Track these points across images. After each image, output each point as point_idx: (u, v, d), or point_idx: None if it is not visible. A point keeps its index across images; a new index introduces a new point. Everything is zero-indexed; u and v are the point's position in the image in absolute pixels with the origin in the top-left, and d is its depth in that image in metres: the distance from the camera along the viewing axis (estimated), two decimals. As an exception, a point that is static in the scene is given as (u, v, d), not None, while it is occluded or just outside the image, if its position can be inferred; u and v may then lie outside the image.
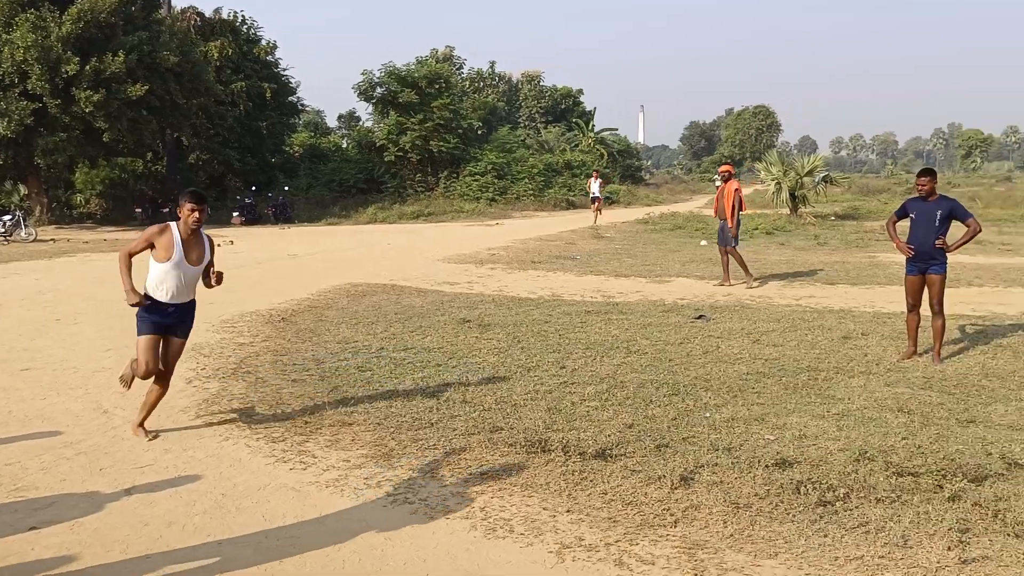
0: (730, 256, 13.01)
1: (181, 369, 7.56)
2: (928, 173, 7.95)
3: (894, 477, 4.67)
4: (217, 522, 4.28)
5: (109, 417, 6.16)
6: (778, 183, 27.10)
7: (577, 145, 58.19)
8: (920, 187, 7.86)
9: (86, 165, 33.22)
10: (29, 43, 24.78)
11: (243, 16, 38.59)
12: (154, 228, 5.53)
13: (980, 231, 8.13)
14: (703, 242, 20.38)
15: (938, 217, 7.73)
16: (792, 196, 26.89)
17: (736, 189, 12.93)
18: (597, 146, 58.50)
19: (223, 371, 7.50)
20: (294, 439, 5.57)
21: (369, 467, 5.05)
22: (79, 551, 3.96)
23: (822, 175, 27.73)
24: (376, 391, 6.73)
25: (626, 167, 62.53)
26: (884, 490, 4.48)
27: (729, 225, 12.89)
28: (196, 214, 5.48)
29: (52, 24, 25.74)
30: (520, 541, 4.02)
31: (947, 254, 7.86)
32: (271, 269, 15.80)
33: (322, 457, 5.23)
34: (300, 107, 43.35)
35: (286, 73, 40.10)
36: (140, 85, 26.71)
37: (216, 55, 35.26)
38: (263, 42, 39.01)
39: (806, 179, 26.82)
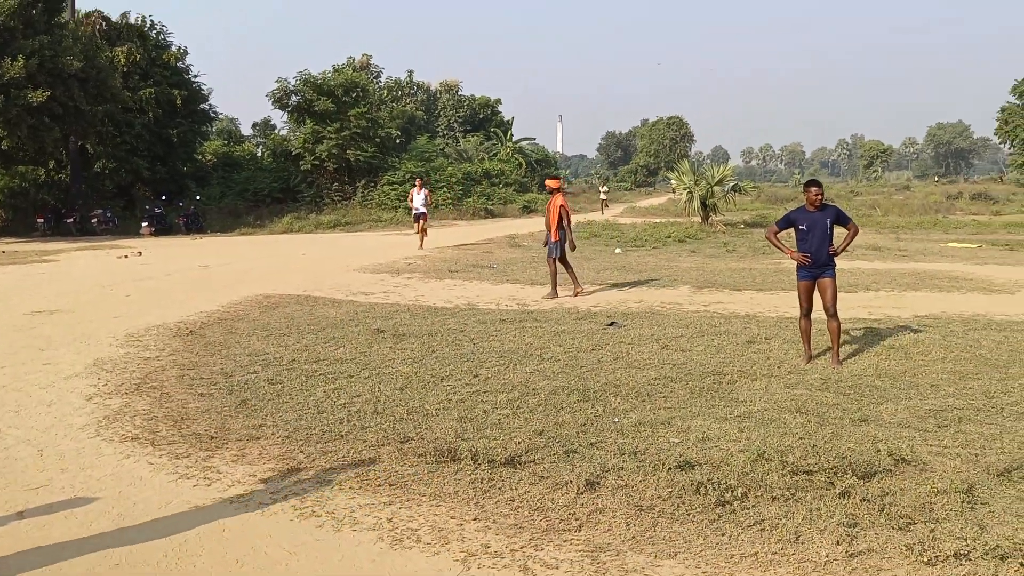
0: (559, 266, 13.06)
1: (81, 385, 7.34)
2: (819, 183, 8.36)
3: (789, 476, 4.86)
4: (111, 539, 4.16)
5: (1, 437, 5.90)
6: (690, 192, 27.83)
7: (496, 154, 58.52)
8: (817, 196, 8.13)
9: (-17, 174, 31.72)
10: (-81, 46, 23.59)
11: (151, 21, 37.57)
12: None
13: (858, 232, 8.59)
14: (617, 250, 20.77)
15: (828, 225, 8.12)
16: (703, 204, 27.65)
17: (561, 204, 13.07)
18: (515, 155, 58.95)
19: (126, 387, 7.27)
20: (199, 455, 5.45)
21: (276, 481, 4.98)
22: (-36, 578, 3.79)
23: (731, 184, 28.63)
24: (286, 404, 6.63)
25: (544, 176, 63.03)
26: (779, 488, 4.66)
27: (553, 239, 13.02)
28: None
29: (-56, 26, 24.56)
30: (426, 550, 4.03)
31: (835, 258, 8.25)
32: (181, 281, 15.38)
33: (228, 472, 5.13)
34: (212, 114, 42.34)
35: (197, 79, 39.19)
36: (41, 91, 25.71)
37: (123, 60, 34.21)
38: (173, 47, 38.02)
39: (716, 188, 27.62)
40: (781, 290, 13.21)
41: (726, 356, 8.36)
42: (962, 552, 3.82)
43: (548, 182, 13.83)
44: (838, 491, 4.61)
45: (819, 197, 8.15)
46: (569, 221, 13.07)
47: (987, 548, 3.82)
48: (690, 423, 6.06)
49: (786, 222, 8.41)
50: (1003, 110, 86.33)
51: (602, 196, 49.72)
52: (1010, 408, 6.44)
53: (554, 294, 12.90)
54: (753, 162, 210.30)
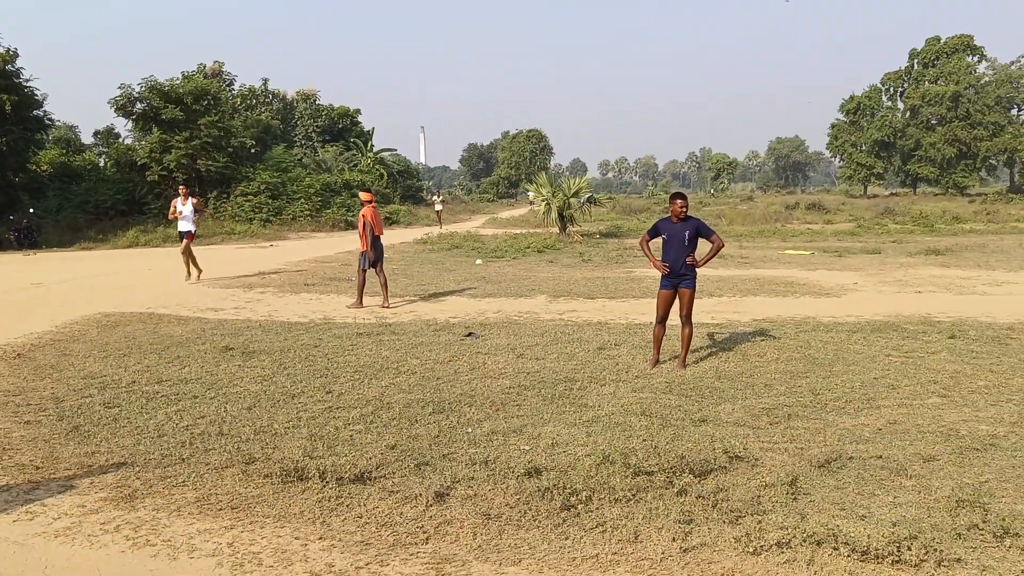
0: (380, 276, 13.32)
1: None
2: (683, 196, 8.58)
3: (632, 477, 5.04)
4: (-82, 589, 3.82)
5: None
6: (548, 204, 28.42)
7: (356, 165, 57.78)
8: (680, 209, 8.34)
9: None
10: None
11: (-25, 21, 34.69)
12: None
13: (723, 246, 8.80)
14: (479, 261, 20.93)
15: (686, 237, 8.37)
16: (561, 216, 28.31)
17: (363, 215, 13.30)
18: (376, 166, 58.39)
19: (-61, 417, 6.68)
20: (21, 487, 5.08)
21: (108, 511, 4.71)
22: None
23: (587, 196, 29.44)
24: (123, 428, 6.29)
25: (407, 187, 62.90)
26: (622, 490, 4.83)
27: (361, 249, 13.29)
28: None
29: None
30: (268, 573, 3.92)
31: (696, 269, 8.54)
32: (9, 300, 14.28)
33: (53, 505, 4.81)
34: (48, 122, 39.56)
35: (30, 84, 36.51)
36: None
37: (-59, 63, 31.47)
38: (1, 49, 35.31)
39: (573, 200, 28.33)
40: (632, 297, 13.70)
41: (578, 363, 8.58)
42: (784, 541, 4.08)
43: (360, 194, 13.92)
44: (676, 490, 4.83)
45: (683, 210, 8.38)
46: (366, 232, 13.12)
47: (806, 535, 4.10)
48: (541, 430, 6.18)
49: (654, 231, 8.62)
50: (833, 126, 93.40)
51: (437, 207, 44.80)
52: (833, 404, 6.94)
53: (359, 304, 13.06)
54: (610, 174, 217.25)
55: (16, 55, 35.74)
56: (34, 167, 39.78)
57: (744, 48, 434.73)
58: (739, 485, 4.96)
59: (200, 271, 17.12)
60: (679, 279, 8.45)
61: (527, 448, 5.74)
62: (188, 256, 16.81)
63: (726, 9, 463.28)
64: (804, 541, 4.06)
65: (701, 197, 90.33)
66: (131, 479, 5.20)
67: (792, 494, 4.80)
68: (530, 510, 4.59)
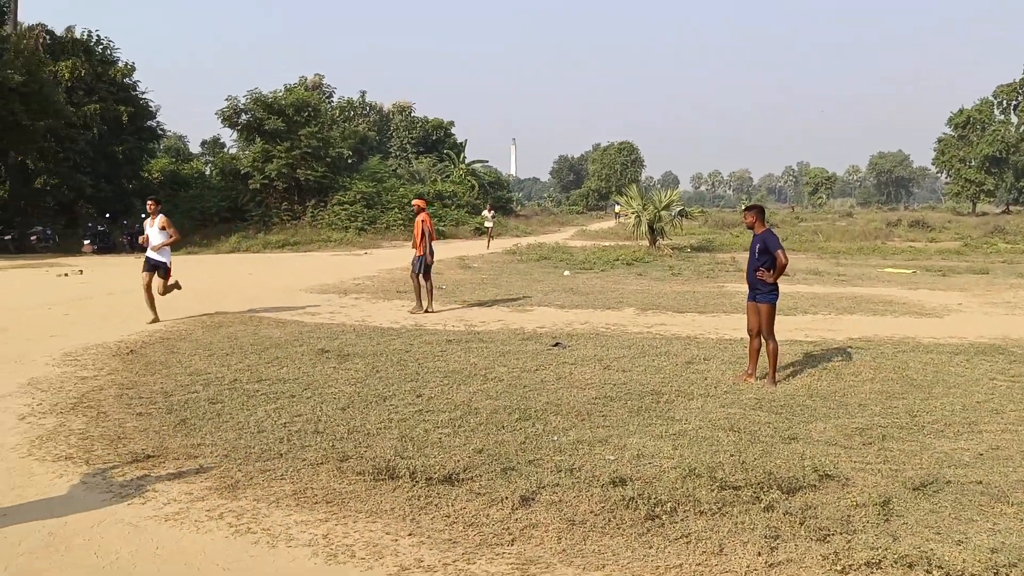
0: (422, 280, 13.75)
1: (14, 405, 7.22)
2: (749, 208, 8.62)
3: (718, 491, 5.01)
4: (43, 562, 4.13)
5: (-71, 457, 5.78)
6: (638, 216, 28.28)
7: (448, 176, 58.75)
8: (746, 221, 8.64)
9: (-84, 188, 30.83)
10: None
11: (98, 36, 37.03)
12: None
13: (786, 263, 8.40)
14: (567, 272, 21.01)
15: (756, 250, 8.40)
16: (651, 228, 28.12)
17: (422, 220, 13.82)
18: (468, 177, 59.22)
19: (62, 406, 7.17)
20: (135, 473, 5.42)
21: (212, 499, 4.98)
22: None
23: (678, 209, 29.16)
24: (226, 423, 6.61)
25: (497, 198, 63.56)
26: (707, 503, 4.81)
27: (418, 253, 13.79)
28: None
29: None
30: (360, 565, 4.09)
31: (770, 284, 8.39)
32: (123, 300, 15.15)
33: (163, 491, 5.11)
34: (160, 132, 41.87)
35: (145, 96, 38.71)
36: (-21, 105, 25.17)
37: (67, 75, 33.68)
38: (120, 63, 37.52)
39: (663, 213, 28.11)
40: (723, 312, 13.52)
41: (665, 376, 8.54)
42: (873, 561, 4.01)
43: (415, 202, 14.78)
44: (763, 505, 4.78)
45: (748, 221, 8.60)
46: (431, 236, 13.91)
47: (897, 556, 4.01)
48: (626, 441, 6.20)
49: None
50: (940, 141, 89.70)
51: (487, 224, 36.43)
52: (931, 426, 6.71)
53: (419, 307, 13.56)
54: (702, 188, 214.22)
55: (133, 69, 37.90)
56: (146, 175, 42.06)
57: (846, 59, 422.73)
58: (828, 504, 4.88)
59: (155, 317, 12.37)
60: (753, 292, 8.48)
61: (612, 458, 5.77)
62: (150, 294, 12.50)
63: (822, 23, 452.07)
64: (895, 563, 3.98)
65: (799, 212, 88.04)
66: (233, 471, 5.48)
67: (884, 515, 4.69)
68: (614, 518, 4.63)
